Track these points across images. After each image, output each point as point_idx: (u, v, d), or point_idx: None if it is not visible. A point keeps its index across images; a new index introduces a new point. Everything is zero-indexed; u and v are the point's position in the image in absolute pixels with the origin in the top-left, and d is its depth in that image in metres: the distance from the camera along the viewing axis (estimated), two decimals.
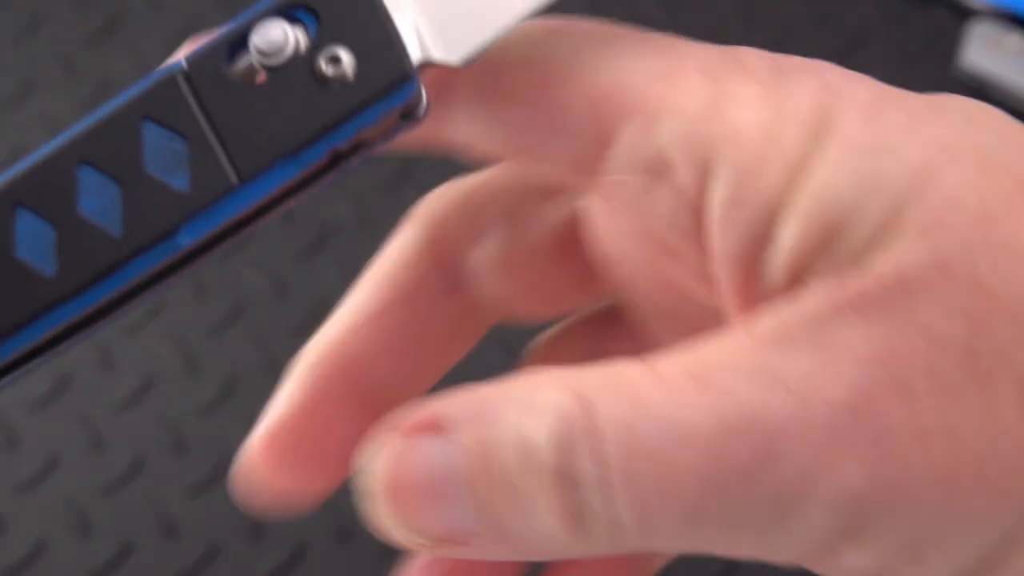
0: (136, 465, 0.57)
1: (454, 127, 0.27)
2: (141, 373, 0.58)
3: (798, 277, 0.22)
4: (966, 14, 0.63)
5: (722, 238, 0.23)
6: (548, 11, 0.26)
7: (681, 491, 0.21)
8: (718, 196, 0.23)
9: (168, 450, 0.57)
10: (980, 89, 0.61)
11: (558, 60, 0.24)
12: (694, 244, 0.24)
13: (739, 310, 0.23)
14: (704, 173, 0.23)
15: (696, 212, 0.24)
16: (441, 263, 0.30)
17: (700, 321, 0.25)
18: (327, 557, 0.56)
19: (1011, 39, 0.62)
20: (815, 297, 0.22)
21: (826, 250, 0.22)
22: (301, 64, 0.26)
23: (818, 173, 0.22)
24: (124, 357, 0.59)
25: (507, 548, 0.23)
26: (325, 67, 0.26)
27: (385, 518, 0.24)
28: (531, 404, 0.22)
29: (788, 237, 0.22)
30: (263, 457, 0.31)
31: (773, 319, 0.22)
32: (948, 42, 0.64)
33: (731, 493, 0.21)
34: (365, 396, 0.30)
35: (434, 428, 0.23)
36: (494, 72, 0.25)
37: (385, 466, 0.23)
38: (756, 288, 0.23)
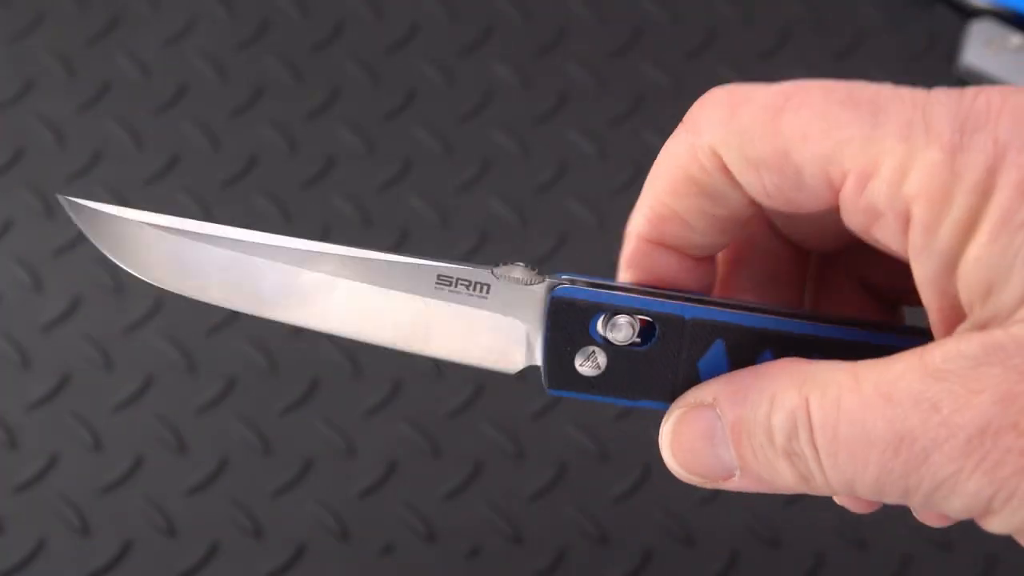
0: (136, 465, 0.57)
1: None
2: (141, 373, 0.58)
3: (965, 313, 0.32)
4: (966, 14, 0.63)
5: (916, 271, 0.33)
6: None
7: (865, 473, 0.33)
8: (911, 241, 0.32)
9: (168, 450, 0.57)
10: None
11: (792, 133, 0.33)
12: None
13: (936, 316, 0.33)
14: (905, 221, 0.32)
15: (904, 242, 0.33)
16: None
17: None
18: (327, 557, 0.56)
19: (1011, 39, 0.62)
20: (970, 344, 0.31)
21: (985, 300, 0.31)
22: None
23: (980, 238, 0.31)
24: (124, 357, 0.59)
25: (756, 486, 0.35)
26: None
27: (670, 462, 0.36)
28: (773, 400, 0.34)
29: (961, 287, 0.32)
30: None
31: (940, 355, 0.32)
32: (948, 42, 0.64)
33: (897, 478, 0.32)
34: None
35: (704, 404, 0.35)
36: (749, 148, 0.33)
37: (671, 426, 0.36)
38: (946, 304, 0.33)
